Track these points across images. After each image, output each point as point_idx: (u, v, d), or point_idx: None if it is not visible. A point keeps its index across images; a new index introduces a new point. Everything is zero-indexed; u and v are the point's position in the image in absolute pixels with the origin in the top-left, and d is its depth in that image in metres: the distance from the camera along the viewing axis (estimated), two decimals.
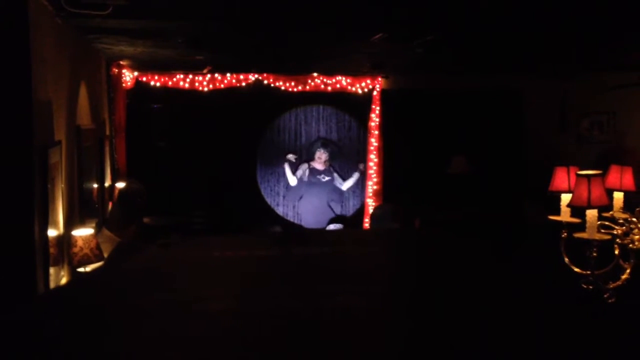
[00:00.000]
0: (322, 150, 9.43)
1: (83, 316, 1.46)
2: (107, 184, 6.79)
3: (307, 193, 9.45)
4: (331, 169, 9.52)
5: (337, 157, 9.59)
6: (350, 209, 9.73)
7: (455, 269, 1.91)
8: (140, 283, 1.73)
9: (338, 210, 9.62)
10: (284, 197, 9.59)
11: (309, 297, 1.54)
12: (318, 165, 9.48)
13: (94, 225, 5.30)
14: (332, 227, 9.26)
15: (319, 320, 1.41)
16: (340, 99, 9.30)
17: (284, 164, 9.37)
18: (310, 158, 9.47)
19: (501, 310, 1.53)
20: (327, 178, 9.49)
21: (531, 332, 1.38)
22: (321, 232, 7.97)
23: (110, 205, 6.68)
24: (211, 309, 1.46)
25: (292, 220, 9.53)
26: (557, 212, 2.87)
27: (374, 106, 9.22)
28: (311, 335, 1.34)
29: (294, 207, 9.57)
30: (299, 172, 9.42)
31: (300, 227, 9.13)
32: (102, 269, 3.49)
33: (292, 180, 9.39)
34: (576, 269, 2.69)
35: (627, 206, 2.88)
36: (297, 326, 1.38)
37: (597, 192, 2.56)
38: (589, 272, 2.60)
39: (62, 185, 4.27)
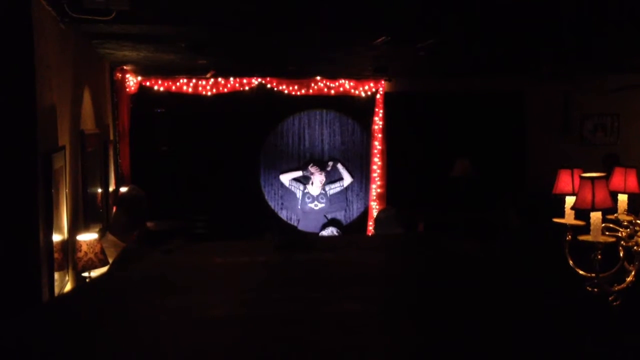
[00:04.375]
0: (322, 175, 9.43)
1: (85, 324, 1.46)
2: (111, 189, 6.81)
3: (303, 220, 9.48)
4: (326, 192, 9.51)
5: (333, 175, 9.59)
6: (354, 212, 9.73)
7: (459, 273, 1.91)
8: (142, 290, 1.72)
9: (335, 215, 9.61)
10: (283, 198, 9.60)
11: (311, 303, 1.54)
12: (314, 189, 9.46)
13: (98, 230, 5.30)
14: (325, 232, 9.25)
15: (321, 326, 1.41)
16: (343, 102, 9.32)
17: (303, 169, 9.40)
18: (306, 181, 9.48)
19: (505, 315, 1.52)
20: (320, 205, 9.48)
21: (537, 337, 1.38)
22: (324, 238, 7.97)
23: (114, 210, 6.69)
24: (213, 315, 1.46)
25: (295, 224, 9.53)
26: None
27: (377, 109, 9.22)
28: (313, 341, 1.34)
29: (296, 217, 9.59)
30: (294, 185, 9.44)
31: (300, 232, 9.15)
32: (105, 276, 3.49)
33: (284, 179, 9.40)
34: (581, 272, 2.68)
35: (632, 208, 2.87)
36: (299, 332, 1.38)
37: (601, 195, 2.55)
38: (593, 274, 2.59)
39: (67, 190, 4.28)
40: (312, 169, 9.41)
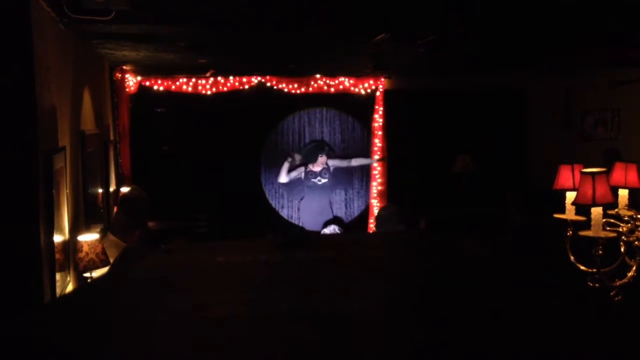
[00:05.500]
0: (324, 156, 9.42)
1: (85, 326, 1.46)
2: (112, 189, 6.81)
3: (307, 195, 9.46)
4: (328, 167, 9.50)
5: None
6: (355, 210, 9.73)
7: (461, 272, 1.91)
8: (143, 290, 1.72)
9: (338, 211, 9.60)
10: (285, 197, 9.58)
11: (312, 302, 1.54)
12: (316, 167, 9.47)
13: (99, 230, 5.31)
14: (327, 230, 9.24)
15: (322, 326, 1.41)
16: (343, 100, 9.31)
17: (285, 160, 9.32)
18: (309, 161, 9.44)
19: (507, 313, 1.52)
20: (323, 180, 9.47)
21: (539, 335, 1.38)
22: (325, 236, 7.96)
23: (115, 210, 6.69)
24: (213, 315, 1.46)
25: (296, 222, 9.54)
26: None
27: (377, 107, 9.22)
28: (314, 341, 1.33)
29: (298, 209, 9.56)
30: (294, 174, 9.39)
31: (302, 229, 9.13)
32: (106, 276, 3.49)
33: (283, 178, 9.35)
34: (582, 267, 2.68)
35: (632, 203, 2.87)
36: (299, 332, 1.38)
37: (601, 190, 2.55)
38: (594, 270, 2.60)
39: (67, 191, 4.28)
40: (296, 156, 9.36)
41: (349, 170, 9.59)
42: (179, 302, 1.54)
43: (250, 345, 1.29)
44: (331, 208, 9.48)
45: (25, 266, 3.42)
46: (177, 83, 8.51)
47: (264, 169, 9.50)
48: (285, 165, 9.28)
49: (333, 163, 9.41)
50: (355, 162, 9.46)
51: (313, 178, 9.45)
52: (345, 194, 9.73)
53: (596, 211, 2.57)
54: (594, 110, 9.79)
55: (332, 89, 9.00)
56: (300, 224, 9.47)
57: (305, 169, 9.43)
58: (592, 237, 2.57)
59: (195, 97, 8.62)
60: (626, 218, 2.73)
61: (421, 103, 9.40)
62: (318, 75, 8.82)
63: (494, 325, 1.41)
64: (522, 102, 9.75)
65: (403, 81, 9.24)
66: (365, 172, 9.61)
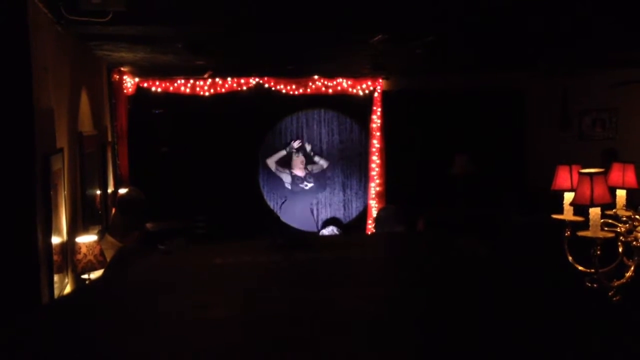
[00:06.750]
0: (299, 155, 9.46)
1: (85, 326, 1.46)
2: (110, 190, 6.80)
3: (290, 199, 9.45)
4: (309, 171, 9.53)
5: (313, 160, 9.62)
6: (353, 211, 9.72)
7: (460, 272, 1.91)
8: (143, 291, 1.72)
9: (321, 216, 9.59)
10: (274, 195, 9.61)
11: (311, 303, 1.54)
12: (299, 171, 9.48)
13: (97, 231, 5.30)
14: (326, 231, 9.22)
15: (321, 326, 1.41)
16: (341, 101, 9.30)
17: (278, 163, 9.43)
18: (289, 166, 9.49)
19: (507, 313, 1.52)
20: (309, 185, 9.51)
21: (540, 335, 1.38)
22: (324, 237, 7.96)
23: (113, 211, 6.69)
24: (213, 315, 1.46)
25: (280, 203, 9.51)
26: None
27: (375, 108, 9.22)
28: (313, 341, 1.33)
29: (279, 210, 9.53)
30: (284, 177, 9.48)
31: (301, 232, 9.12)
32: (104, 277, 3.49)
33: (270, 160, 9.45)
34: (580, 268, 2.68)
35: (630, 204, 2.87)
36: (299, 332, 1.38)
37: (599, 190, 2.55)
38: (592, 270, 2.59)
39: (65, 193, 4.27)
40: (294, 143, 9.43)
41: (324, 172, 9.66)
42: (179, 302, 1.54)
43: (250, 345, 1.29)
44: (312, 215, 9.45)
45: (23, 268, 3.41)
46: (175, 84, 8.51)
47: (262, 170, 9.49)
48: (282, 153, 9.36)
49: (313, 169, 9.49)
50: (323, 162, 9.57)
51: (300, 183, 9.48)
52: (344, 195, 9.72)
53: (594, 212, 2.57)
54: (592, 110, 9.80)
55: (330, 90, 9.00)
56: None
57: (291, 172, 9.48)
58: (590, 238, 2.56)
59: (194, 99, 8.61)
60: (624, 218, 2.73)
61: (419, 104, 9.39)
62: (316, 77, 8.82)
63: (493, 326, 1.41)
64: (520, 102, 9.76)
65: (401, 82, 9.24)
66: (363, 173, 9.61)
